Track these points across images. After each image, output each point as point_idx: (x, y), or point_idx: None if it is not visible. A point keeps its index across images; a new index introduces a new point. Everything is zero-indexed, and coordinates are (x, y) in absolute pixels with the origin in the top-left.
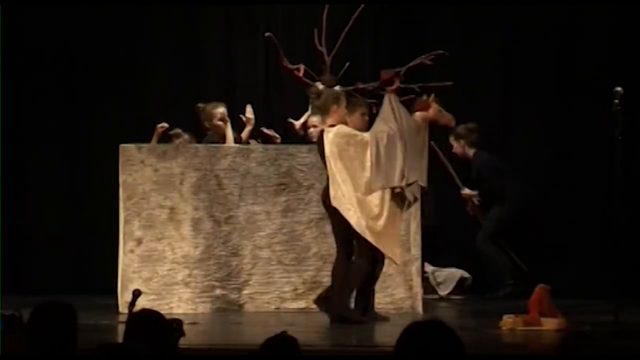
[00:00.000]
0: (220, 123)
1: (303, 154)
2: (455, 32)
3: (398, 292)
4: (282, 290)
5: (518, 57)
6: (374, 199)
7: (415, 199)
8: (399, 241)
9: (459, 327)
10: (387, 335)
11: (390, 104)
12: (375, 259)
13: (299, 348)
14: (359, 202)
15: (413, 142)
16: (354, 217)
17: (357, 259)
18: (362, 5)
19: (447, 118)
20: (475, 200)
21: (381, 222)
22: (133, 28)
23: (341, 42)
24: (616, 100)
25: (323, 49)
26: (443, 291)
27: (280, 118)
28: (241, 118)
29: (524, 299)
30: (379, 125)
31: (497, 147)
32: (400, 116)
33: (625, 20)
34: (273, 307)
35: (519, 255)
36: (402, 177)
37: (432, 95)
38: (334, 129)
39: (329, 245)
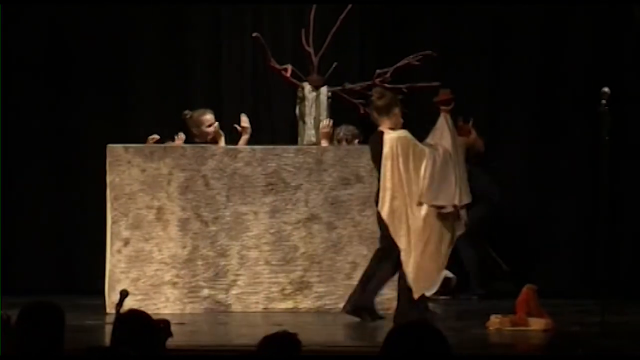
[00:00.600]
0: (209, 129)
1: (290, 154)
2: (442, 32)
3: (386, 293)
4: (270, 290)
5: (505, 55)
6: (420, 218)
7: (466, 222)
8: (435, 273)
9: (446, 328)
10: (374, 335)
11: (447, 124)
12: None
13: (300, 347)
14: (406, 217)
15: (462, 164)
16: (395, 230)
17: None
18: (350, 6)
19: (481, 144)
20: None
21: (426, 245)
22: (121, 27)
23: (329, 42)
24: (603, 101)
25: (310, 49)
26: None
27: (267, 118)
28: (236, 128)
29: (510, 299)
30: (433, 142)
31: (484, 146)
32: (455, 137)
33: (611, 20)
34: (261, 307)
35: (505, 255)
36: (454, 197)
37: (471, 120)
38: (398, 132)
39: (316, 246)
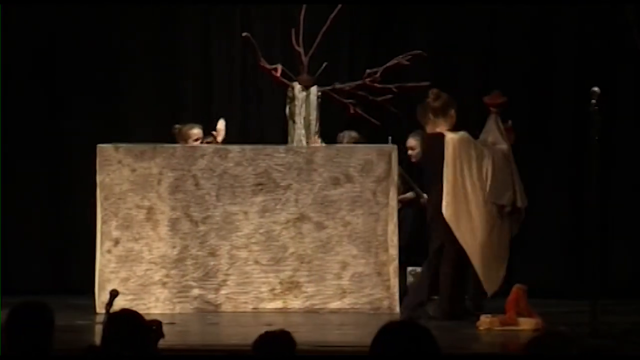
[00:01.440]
0: (196, 144)
1: (280, 154)
2: (432, 32)
3: (375, 292)
4: (260, 290)
5: (495, 56)
6: (482, 217)
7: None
8: (502, 268)
9: (435, 327)
10: (364, 335)
11: (497, 125)
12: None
13: (295, 346)
14: (470, 216)
15: (515, 165)
16: (459, 231)
17: (444, 264)
18: (340, 6)
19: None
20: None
21: (489, 243)
22: (110, 27)
23: (318, 42)
24: (593, 101)
25: (300, 49)
26: None
27: (257, 118)
28: (212, 134)
29: (501, 299)
30: (487, 143)
31: None
32: (506, 138)
33: (601, 20)
34: (250, 307)
35: None
36: (514, 198)
37: (510, 122)
38: (460, 133)
39: (306, 246)
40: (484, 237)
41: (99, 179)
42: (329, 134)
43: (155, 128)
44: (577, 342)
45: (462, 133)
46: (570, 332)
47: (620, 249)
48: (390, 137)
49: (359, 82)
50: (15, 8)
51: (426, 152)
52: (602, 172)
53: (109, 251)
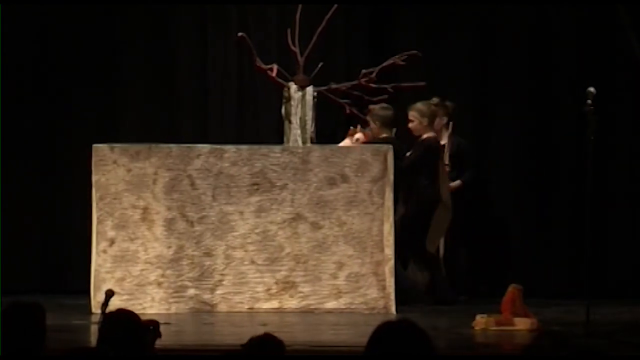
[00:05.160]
0: None
1: (276, 154)
2: (428, 32)
3: (371, 292)
4: (255, 290)
5: (491, 57)
6: None
7: None
8: None
9: (431, 327)
10: (359, 335)
11: None
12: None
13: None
14: None
15: None
16: None
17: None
18: (336, 6)
19: None
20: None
21: None
22: (107, 27)
23: (314, 42)
24: (589, 101)
25: (296, 49)
26: None
27: (253, 118)
28: None
29: (496, 298)
30: None
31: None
32: None
33: (597, 21)
34: (246, 307)
35: (490, 255)
36: None
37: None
38: None
39: (302, 246)
40: None
41: (94, 178)
42: (325, 134)
43: (151, 128)
44: (571, 342)
45: None
46: (564, 332)
47: (615, 249)
48: (394, 129)
49: (355, 82)
50: (12, 8)
51: (428, 153)
52: (597, 172)
53: (104, 251)
